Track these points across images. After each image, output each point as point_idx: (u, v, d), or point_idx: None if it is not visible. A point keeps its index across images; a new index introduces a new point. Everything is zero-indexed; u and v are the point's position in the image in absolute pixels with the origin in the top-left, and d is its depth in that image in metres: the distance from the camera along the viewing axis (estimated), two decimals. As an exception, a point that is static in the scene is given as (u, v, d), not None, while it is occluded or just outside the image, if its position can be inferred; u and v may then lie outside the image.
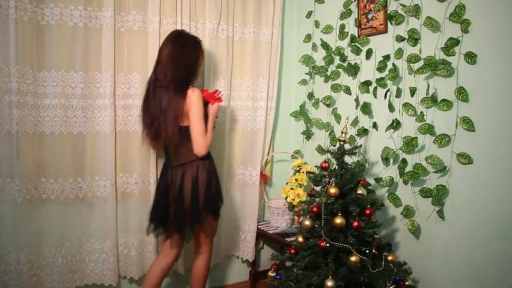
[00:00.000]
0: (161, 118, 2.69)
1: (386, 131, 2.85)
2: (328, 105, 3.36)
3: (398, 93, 2.77)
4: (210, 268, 3.01)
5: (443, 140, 2.49)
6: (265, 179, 3.57)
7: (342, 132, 2.64)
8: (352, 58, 3.14)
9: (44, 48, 2.76)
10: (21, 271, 2.79)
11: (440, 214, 2.53)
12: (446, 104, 2.47)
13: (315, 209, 2.50)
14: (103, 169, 2.98)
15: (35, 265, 2.87)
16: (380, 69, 2.88)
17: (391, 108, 2.81)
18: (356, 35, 3.08)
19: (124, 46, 2.99)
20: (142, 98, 2.88)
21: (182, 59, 2.71)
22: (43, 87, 2.78)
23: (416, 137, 2.62)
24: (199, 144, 2.64)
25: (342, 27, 3.19)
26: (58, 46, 2.79)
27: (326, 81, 3.37)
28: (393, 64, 2.80)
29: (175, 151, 2.75)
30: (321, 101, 3.40)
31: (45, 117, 2.80)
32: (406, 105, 2.70)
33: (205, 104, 2.78)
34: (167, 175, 2.79)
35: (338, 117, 3.25)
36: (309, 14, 3.52)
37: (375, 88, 2.94)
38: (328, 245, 2.42)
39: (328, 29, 3.31)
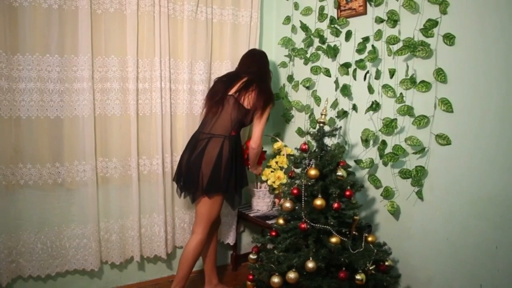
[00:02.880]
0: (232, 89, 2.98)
1: (365, 113, 2.86)
2: (307, 88, 3.35)
3: (378, 75, 2.77)
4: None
5: (422, 121, 2.51)
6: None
7: (321, 114, 2.64)
8: (331, 40, 3.13)
9: (17, 31, 2.69)
10: (-1, 258, 2.77)
11: (419, 194, 2.56)
12: (425, 85, 2.49)
13: (295, 191, 2.51)
14: (82, 153, 2.95)
15: (14, 251, 2.84)
16: (360, 51, 2.88)
17: (370, 90, 2.81)
18: (336, 17, 3.07)
19: (101, 28, 2.94)
20: (120, 81, 2.99)
21: (267, 71, 3.19)
22: (18, 70, 2.72)
23: (396, 119, 2.64)
24: (256, 141, 3.00)
25: (322, 8, 3.18)
26: (33, 28, 2.73)
27: (305, 63, 3.36)
28: (373, 45, 2.80)
29: (213, 119, 2.93)
30: (300, 84, 3.39)
31: (20, 101, 2.74)
32: (386, 87, 2.71)
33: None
34: (194, 139, 2.97)
35: (318, 100, 3.25)
36: (288, -4, 3.50)
37: (355, 70, 2.94)
38: (308, 226, 2.44)
39: (307, 11, 3.30)
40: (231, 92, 2.94)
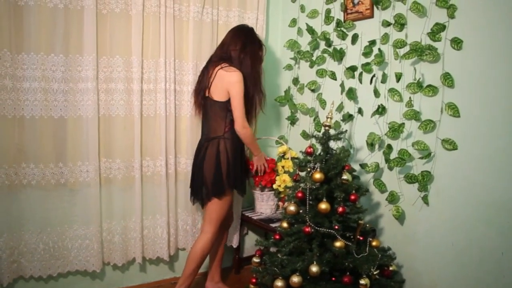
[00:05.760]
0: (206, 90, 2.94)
1: (371, 117, 2.84)
2: (313, 91, 3.34)
3: (384, 79, 2.76)
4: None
5: (428, 126, 2.49)
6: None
7: (327, 117, 2.63)
8: (337, 43, 3.11)
9: (22, 30, 2.68)
10: (0, 258, 2.75)
11: (425, 200, 2.54)
12: (432, 89, 2.47)
13: (300, 195, 2.50)
14: (85, 154, 2.93)
15: (16, 251, 2.83)
16: (366, 54, 2.87)
17: (376, 93, 2.80)
18: (342, 20, 3.06)
19: (106, 29, 2.93)
20: (124, 81, 3.00)
21: (245, 48, 2.91)
22: (22, 70, 2.71)
23: (403, 123, 2.62)
24: (239, 124, 2.82)
25: (328, 11, 3.17)
26: (38, 28, 2.72)
27: (311, 66, 3.34)
28: (379, 49, 2.78)
29: (207, 124, 2.96)
30: (306, 86, 3.37)
31: (24, 100, 2.73)
32: (392, 91, 2.69)
33: None
34: (198, 146, 3.01)
35: (323, 103, 3.24)
36: (294, -1, 3.49)
37: (361, 74, 2.93)
38: (312, 230, 2.42)
39: (313, 14, 3.28)
40: (206, 92, 2.92)
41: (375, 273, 2.38)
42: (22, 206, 2.83)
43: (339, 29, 3.06)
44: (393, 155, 2.69)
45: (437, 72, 2.45)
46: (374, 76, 2.82)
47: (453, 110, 2.38)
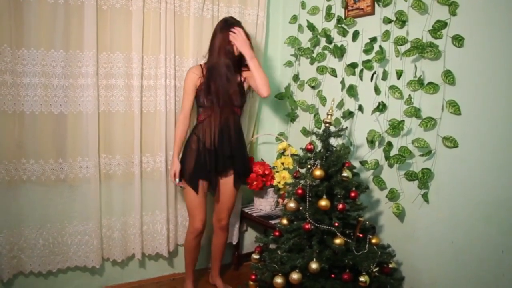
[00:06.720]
0: None
1: (372, 114, 2.83)
2: (313, 87, 3.33)
3: (385, 76, 2.75)
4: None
5: (429, 123, 2.49)
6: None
7: (327, 114, 2.62)
8: (338, 40, 3.10)
9: (23, 25, 2.68)
10: (0, 253, 2.75)
11: (425, 197, 2.54)
12: (433, 87, 2.46)
13: (300, 191, 2.49)
14: (85, 150, 2.93)
15: (16, 247, 2.83)
16: (367, 51, 2.86)
17: (377, 90, 2.79)
18: (343, 17, 3.05)
19: (106, 24, 2.92)
20: (124, 77, 3.01)
21: (212, 40, 2.97)
22: (23, 65, 2.70)
23: (403, 120, 2.62)
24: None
25: (329, 8, 3.16)
26: (38, 23, 2.71)
27: (311, 63, 3.34)
28: (380, 46, 2.78)
29: None
30: (306, 83, 3.37)
31: (24, 96, 2.73)
32: (392, 88, 2.69)
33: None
34: None
35: (323, 100, 3.23)
36: (295, -5, 3.48)
37: (361, 71, 2.92)
38: (312, 227, 2.42)
39: (314, 10, 3.27)
40: None
41: (374, 270, 2.38)
42: (22, 202, 2.83)
43: (339, 26, 3.05)
44: (393, 152, 2.69)
45: (438, 70, 2.45)
46: (374, 73, 2.82)
47: (454, 107, 2.37)
